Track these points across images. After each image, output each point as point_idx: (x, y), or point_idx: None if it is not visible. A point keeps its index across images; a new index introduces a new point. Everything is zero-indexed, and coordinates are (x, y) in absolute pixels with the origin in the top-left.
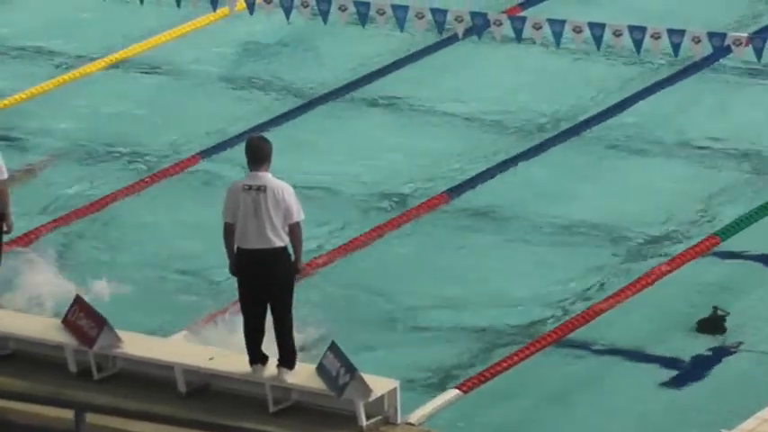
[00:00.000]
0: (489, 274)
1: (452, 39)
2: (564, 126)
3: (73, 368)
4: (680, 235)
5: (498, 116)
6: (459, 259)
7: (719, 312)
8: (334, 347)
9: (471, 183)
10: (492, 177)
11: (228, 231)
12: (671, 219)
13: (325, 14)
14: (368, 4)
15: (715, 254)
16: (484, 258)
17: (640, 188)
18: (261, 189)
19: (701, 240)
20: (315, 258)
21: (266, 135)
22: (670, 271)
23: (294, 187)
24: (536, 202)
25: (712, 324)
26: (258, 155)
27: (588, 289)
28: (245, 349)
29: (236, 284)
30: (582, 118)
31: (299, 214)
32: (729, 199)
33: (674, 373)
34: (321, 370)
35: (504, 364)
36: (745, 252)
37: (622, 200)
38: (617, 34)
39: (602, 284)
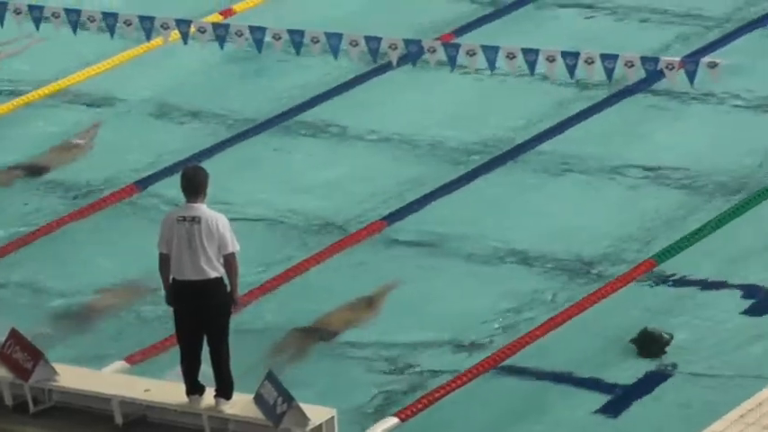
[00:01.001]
0: (427, 298)
1: (387, 66)
2: (499, 151)
3: (8, 401)
4: (616, 259)
5: (434, 142)
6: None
7: (663, 335)
8: (271, 376)
9: (409, 209)
10: (429, 203)
11: (164, 262)
12: (607, 243)
13: (259, 43)
14: (302, 32)
15: (651, 277)
16: (421, 282)
17: (576, 212)
18: (195, 220)
19: (638, 264)
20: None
21: (202, 164)
22: (607, 295)
23: (230, 219)
24: (472, 227)
25: (652, 346)
26: (193, 185)
27: (527, 313)
28: (182, 380)
29: (172, 315)
30: (517, 143)
31: (233, 245)
32: (665, 222)
33: (613, 397)
34: (258, 399)
35: (443, 391)
36: (681, 275)
37: (559, 224)
38: (550, 60)
39: (541, 309)
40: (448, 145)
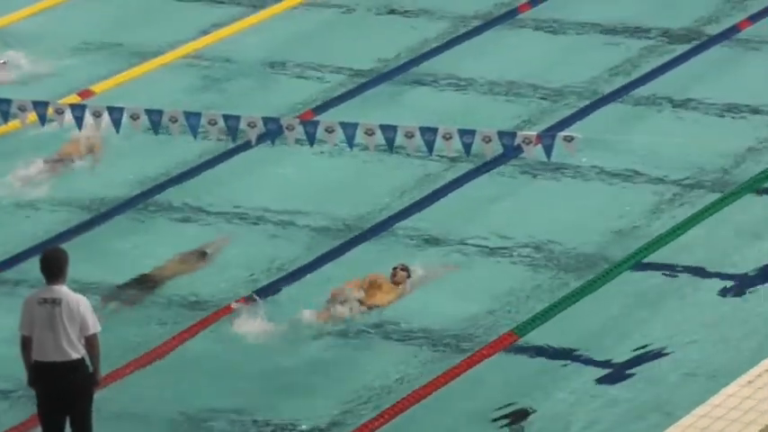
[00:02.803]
0: (293, 377)
1: (246, 145)
2: (360, 228)
3: None
4: (479, 332)
5: (293, 220)
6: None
7: (526, 410)
8: None
9: (276, 285)
10: (293, 282)
11: (25, 344)
12: (469, 316)
13: (117, 123)
14: (160, 112)
15: (513, 350)
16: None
17: (442, 282)
18: (56, 302)
19: (499, 337)
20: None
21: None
22: (469, 368)
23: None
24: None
25: (511, 421)
26: (53, 268)
27: (390, 386)
28: None
29: (35, 397)
30: (377, 220)
31: (95, 326)
32: (526, 295)
33: None
34: None
35: None
36: (543, 347)
37: (427, 298)
38: (409, 136)
39: (402, 381)
40: (310, 222)
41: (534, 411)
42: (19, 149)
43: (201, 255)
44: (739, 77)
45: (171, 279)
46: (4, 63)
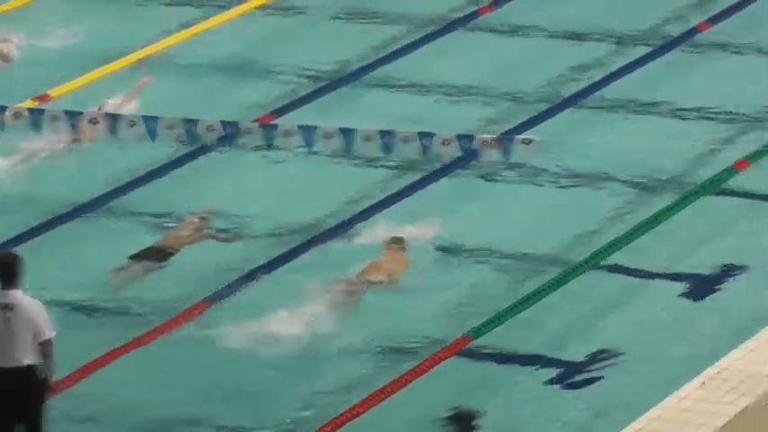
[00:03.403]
0: (236, 391)
1: (205, 148)
2: (318, 231)
3: None
4: (433, 335)
5: (252, 223)
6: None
7: (468, 413)
8: None
9: (230, 289)
10: (251, 285)
11: None
12: (424, 318)
13: (75, 128)
14: (117, 116)
15: (466, 354)
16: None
17: (390, 289)
18: (9, 307)
19: (454, 341)
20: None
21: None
22: (423, 372)
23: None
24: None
25: (462, 425)
26: (6, 272)
27: (343, 392)
28: None
29: None
30: (334, 223)
31: (49, 332)
32: (482, 298)
33: None
34: None
35: None
36: (497, 351)
37: (374, 300)
38: (368, 139)
39: (356, 386)
40: (269, 226)
41: (486, 414)
42: None
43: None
44: (697, 80)
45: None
46: None
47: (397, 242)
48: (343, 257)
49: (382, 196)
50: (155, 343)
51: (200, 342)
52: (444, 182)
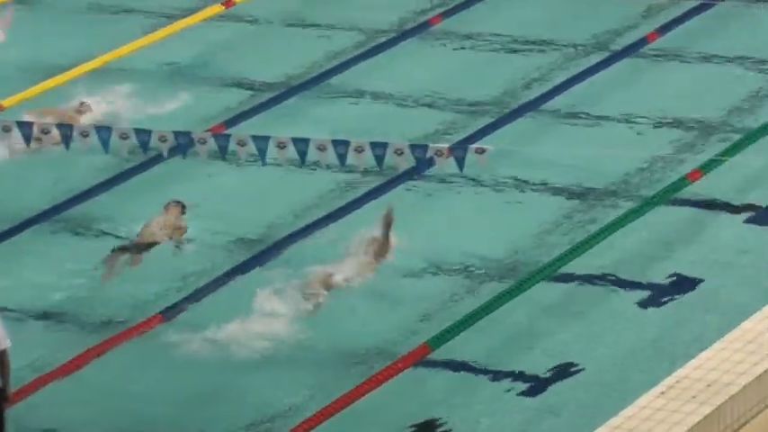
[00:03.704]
0: (200, 395)
1: (159, 158)
2: (272, 241)
3: None
4: (392, 345)
5: (204, 234)
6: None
7: (435, 421)
8: None
9: (187, 301)
10: (208, 294)
11: None
12: (383, 329)
13: (27, 138)
14: (70, 126)
15: (427, 363)
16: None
17: (355, 295)
18: None
19: (413, 350)
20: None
21: None
22: (383, 381)
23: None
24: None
25: None
26: None
27: (301, 402)
28: None
29: None
30: (288, 233)
31: (5, 341)
32: (440, 307)
33: None
34: None
35: None
36: (457, 359)
37: (341, 310)
38: (321, 149)
39: (314, 397)
40: (225, 235)
41: (446, 423)
42: None
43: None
44: (649, 89)
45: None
46: None
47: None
48: (298, 264)
49: (336, 206)
50: (112, 352)
51: (157, 351)
52: (399, 191)
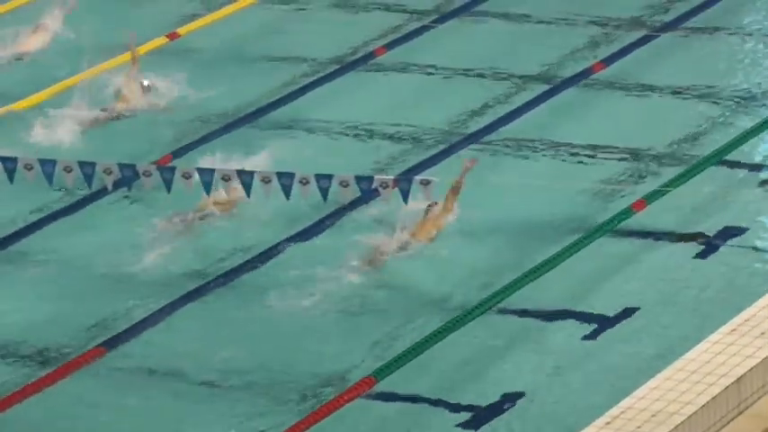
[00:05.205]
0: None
1: (103, 191)
2: (218, 273)
3: None
4: (337, 378)
5: (138, 270)
6: None
7: None
8: None
9: (130, 334)
10: (149, 327)
11: None
12: (326, 360)
13: None
14: (15, 159)
15: (372, 395)
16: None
17: (297, 325)
18: None
19: (358, 382)
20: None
21: None
22: (327, 414)
23: None
24: (199, 354)
25: None
26: None
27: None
28: None
29: None
30: (231, 266)
31: None
32: (385, 339)
33: None
34: None
35: None
36: (402, 392)
37: (280, 341)
38: (266, 181)
39: (257, 429)
40: (166, 272)
41: None
42: None
43: None
44: (594, 119)
45: None
46: None
47: None
48: (249, 295)
49: (279, 238)
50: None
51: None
52: (345, 221)
